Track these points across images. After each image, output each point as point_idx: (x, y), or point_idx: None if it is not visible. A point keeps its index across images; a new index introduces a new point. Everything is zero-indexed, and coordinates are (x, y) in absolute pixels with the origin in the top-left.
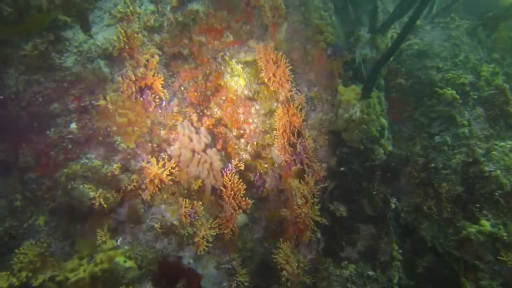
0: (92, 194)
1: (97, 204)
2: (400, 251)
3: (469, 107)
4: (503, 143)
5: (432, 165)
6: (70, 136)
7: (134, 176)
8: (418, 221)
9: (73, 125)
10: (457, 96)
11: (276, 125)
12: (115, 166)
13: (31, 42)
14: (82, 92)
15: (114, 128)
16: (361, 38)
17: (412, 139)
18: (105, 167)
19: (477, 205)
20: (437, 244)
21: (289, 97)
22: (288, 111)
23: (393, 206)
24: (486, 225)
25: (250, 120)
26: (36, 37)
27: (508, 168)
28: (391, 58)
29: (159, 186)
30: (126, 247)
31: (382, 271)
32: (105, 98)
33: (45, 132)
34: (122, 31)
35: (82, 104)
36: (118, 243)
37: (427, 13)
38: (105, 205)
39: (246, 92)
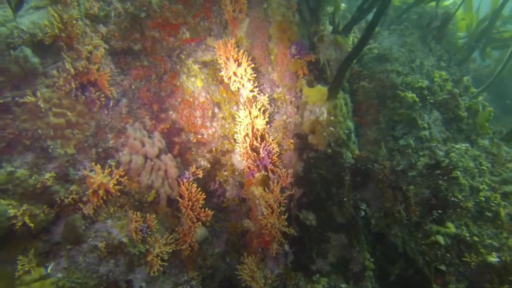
0: (12, 211)
1: (19, 224)
2: (372, 259)
3: (427, 110)
4: (458, 146)
5: (399, 168)
6: None
7: (73, 187)
8: (389, 227)
9: None
10: (417, 100)
11: (237, 129)
12: (47, 175)
13: None
14: (1, 87)
15: (47, 131)
16: (325, 39)
17: (378, 143)
18: (33, 178)
19: (442, 207)
20: (408, 249)
21: (251, 98)
22: (250, 113)
23: (363, 213)
24: (451, 227)
25: (208, 124)
26: None
27: (466, 169)
28: (355, 60)
29: (105, 198)
30: (59, 275)
31: (355, 283)
32: (34, 94)
33: None
34: (56, 15)
35: (1, 101)
36: (48, 270)
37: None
38: (31, 225)
39: (203, 94)
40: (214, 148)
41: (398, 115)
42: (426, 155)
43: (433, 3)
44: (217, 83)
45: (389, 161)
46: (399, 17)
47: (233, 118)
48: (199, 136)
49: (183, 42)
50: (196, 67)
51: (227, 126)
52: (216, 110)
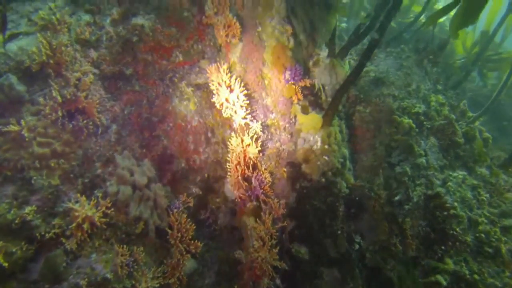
0: None
1: None
2: None
3: (424, 136)
4: (455, 174)
5: (396, 198)
6: None
7: (55, 221)
8: (384, 261)
9: None
10: (414, 125)
11: (228, 157)
12: (27, 209)
13: None
14: None
15: (31, 161)
16: (321, 63)
17: (373, 170)
18: (12, 212)
19: (440, 241)
20: (405, 287)
21: (243, 125)
22: (242, 141)
23: (357, 246)
24: (450, 263)
25: (201, 150)
26: None
27: (463, 199)
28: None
29: (90, 231)
30: None
31: None
32: (19, 123)
33: None
34: (45, 41)
35: None
36: None
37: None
38: (5, 264)
39: (196, 118)
40: (206, 175)
41: (395, 141)
42: (423, 184)
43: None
44: (211, 106)
45: (385, 191)
46: (395, 39)
47: (226, 143)
48: (191, 162)
49: (176, 65)
50: (189, 90)
51: (220, 151)
52: (209, 134)
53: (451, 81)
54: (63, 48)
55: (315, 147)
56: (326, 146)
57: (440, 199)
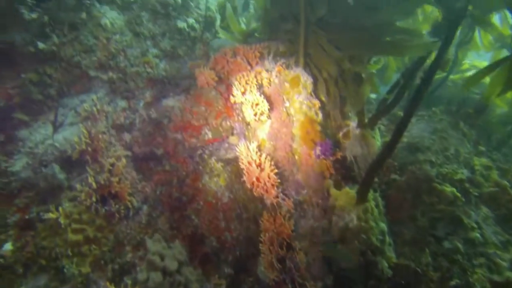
0: None
1: None
2: None
3: (473, 206)
4: None
5: (452, 283)
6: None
7: None
8: None
9: (8, 246)
10: (459, 194)
11: (261, 237)
12: None
13: None
14: (29, 202)
15: (64, 249)
16: (351, 134)
17: (417, 244)
18: None
19: None
20: None
21: (275, 204)
22: (274, 220)
23: None
24: None
25: (232, 227)
26: None
27: None
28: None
29: None
30: None
31: None
32: (57, 210)
33: None
34: (85, 131)
35: (27, 217)
36: None
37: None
38: None
39: (227, 194)
40: (238, 253)
41: (438, 212)
42: (484, 265)
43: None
44: (241, 180)
45: (436, 272)
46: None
47: (257, 219)
48: (223, 241)
49: (206, 143)
50: (219, 165)
51: (251, 227)
52: (240, 210)
53: (494, 140)
54: (100, 136)
55: (351, 225)
56: (363, 224)
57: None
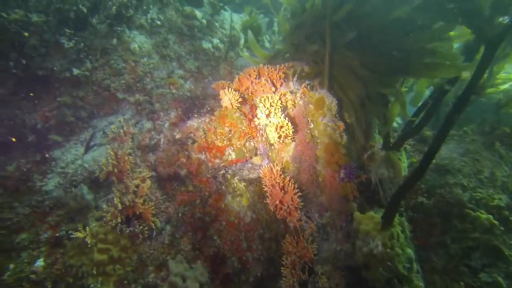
0: None
1: None
2: None
3: None
4: None
5: None
6: (32, 276)
7: None
8: None
9: (40, 262)
10: (496, 222)
11: (283, 261)
12: None
13: (14, 163)
14: (60, 220)
15: (90, 268)
16: (376, 156)
17: (449, 273)
18: None
19: None
20: None
21: (298, 227)
22: (297, 243)
23: None
24: None
25: (254, 247)
26: (21, 157)
27: None
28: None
29: None
30: None
31: None
32: (84, 229)
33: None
34: (112, 153)
35: (57, 235)
36: None
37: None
38: None
39: (249, 214)
40: (259, 273)
41: (472, 240)
42: None
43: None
44: (264, 200)
45: None
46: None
47: (279, 239)
48: (244, 261)
49: (229, 163)
50: (242, 185)
51: (273, 247)
52: (263, 231)
53: None
54: (126, 157)
55: (375, 251)
56: (388, 250)
57: None
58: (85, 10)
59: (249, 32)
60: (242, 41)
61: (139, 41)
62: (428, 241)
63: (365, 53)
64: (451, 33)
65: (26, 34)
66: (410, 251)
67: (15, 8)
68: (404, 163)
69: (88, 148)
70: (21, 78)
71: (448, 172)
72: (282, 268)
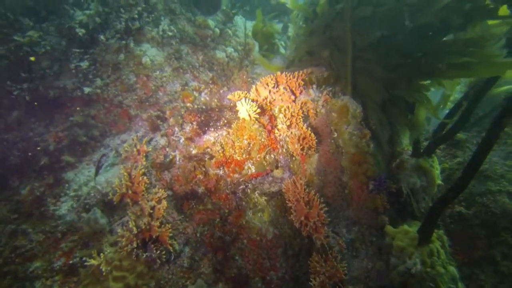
0: None
1: None
2: None
3: None
4: None
5: None
6: None
7: None
8: None
9: None
10: None
11: (312, 282)
12: None
13: (28, 186)
14: (73, 246)
15: None
16: (406, 165)
17: None
18: None
19: None
20: None
21: (325, 245)
22: (325, 262)
23: None
24: None
25: (278, 265)
26: (35, 180)
27: None
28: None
29: None
30: None
31: None
32: (99, 255)
33: None
34: (125, 173)
35: (71, 262)
36: None
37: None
38: None
39: (271, 230)
40: None
41: None
42: None
43: None
44: (286, 214)
45: None
46: (487, 116)
47: (304, 254)
48: (268, 281)
49: (249, 178)
50: (263, 199)
51: (297, 264)
52: (287, 247)
53: None
54: (140, 177)
55: (414, 270)
56: (428, 269)
57: None
58: (94, 26)
59: (256, 48)
60: (256, 48)
61: (150, 54)
62: (471, 256)
63: (387, 55)
64: (490, 22)
65: (33, 58)
66: (453, 269)
67: (29, 30)
68: (437, 170)
69: (98, 170)
70: (34, 99)
71: (489, 178)
72: None
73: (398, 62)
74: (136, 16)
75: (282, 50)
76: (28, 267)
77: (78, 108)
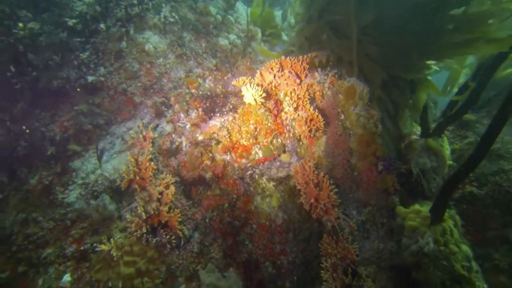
0: None
1: None
2: None
3: None
4: None
5: None
6: None
7: None
8: None
9: (67, 277)
10: None
11: (323, 265)
12: None
13: (37, 176)
14: (84, 233)
15: (118, 282)
16: (415, 145)
17: None
18: None
19: None
20: None
21: (336, 226)
22: (337, 244)
23: None
24: None
25: (288, 250)
26: (43, 169)
27: None
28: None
29: None
30: None
31: None
32: (109, 241)
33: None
34: (132, 160)
35: (82, 248)
36: None
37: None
38: None
39: (280, 215)
40: (295, 277)
41: None
42: None
43: None
44: (295, 199)
45: None
46: (498, 95)
47: (314, 238)
48: (278, 263)
49: (256, 163)
50: (271, 185)
51: (308, 248)
52: (296, 232)
53: None
54: (147, 163)
55: (426, 249)
56: (442, 248)
57: None
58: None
59: (258, 37)
60: (259, 35)
61: (153, 41)
62: (484, 236)
63: (384, 35)
64: None
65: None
66: (466, 248)
67: (29, 22)
68: (447, 150)
69: (100, 158)
70: (38, 90)
71: (501, 157)
72: (322, 271)
73: (393, 42)
74: (135, 1)
75: (285, 37)
76: (41, 253)
77: (82, 97)
